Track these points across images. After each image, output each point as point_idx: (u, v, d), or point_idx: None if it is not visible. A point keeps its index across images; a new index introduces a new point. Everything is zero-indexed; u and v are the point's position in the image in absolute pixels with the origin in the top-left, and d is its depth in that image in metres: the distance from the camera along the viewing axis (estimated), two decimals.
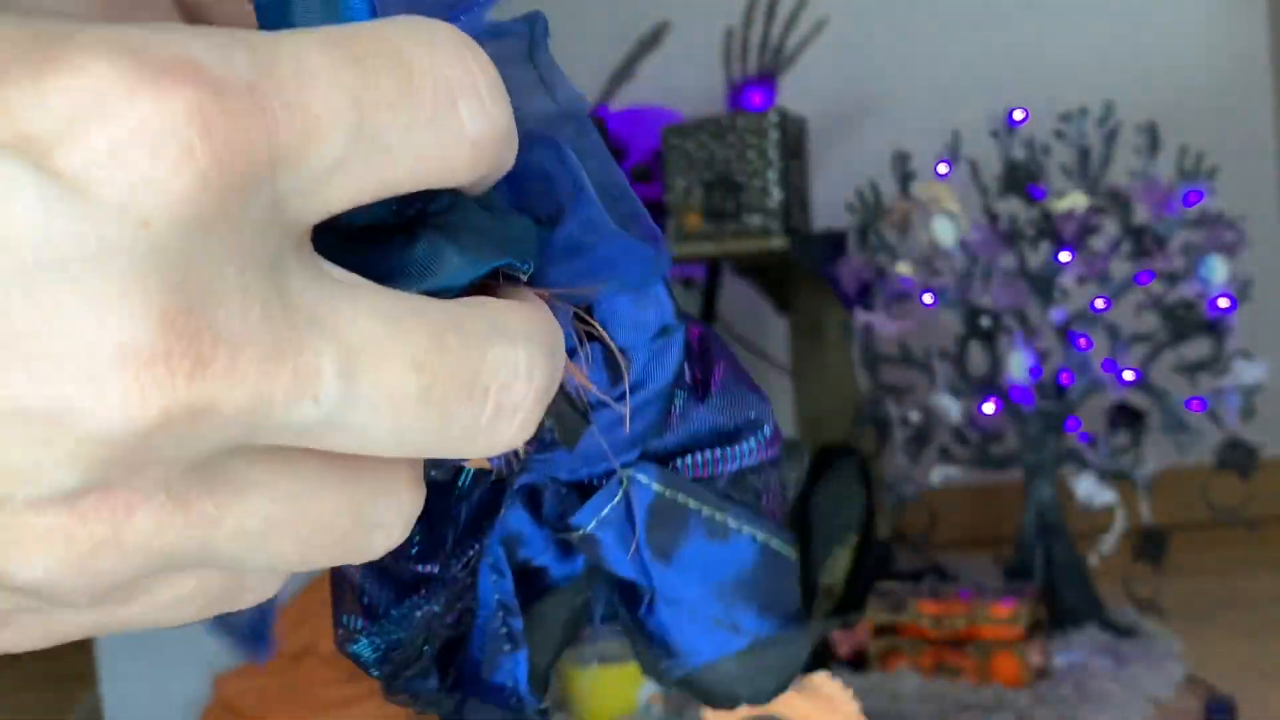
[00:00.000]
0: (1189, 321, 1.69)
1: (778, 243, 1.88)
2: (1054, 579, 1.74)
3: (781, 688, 0.37)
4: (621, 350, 0.28)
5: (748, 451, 0.32)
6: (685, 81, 2.28)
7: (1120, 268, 1.74)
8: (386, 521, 0.20)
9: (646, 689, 1.47)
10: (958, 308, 1.77)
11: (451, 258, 0.20)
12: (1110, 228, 1.75)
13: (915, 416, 1.80)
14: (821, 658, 1.61)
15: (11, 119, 0.15)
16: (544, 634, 0.34)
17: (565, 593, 0.35)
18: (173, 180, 0.15)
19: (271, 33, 0.18)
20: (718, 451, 0.32)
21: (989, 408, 1.76)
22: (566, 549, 0.34)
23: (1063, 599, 1.72)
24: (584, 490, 0.32)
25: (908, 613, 1.55)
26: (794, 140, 1.96)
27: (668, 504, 0.31)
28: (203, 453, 0.17)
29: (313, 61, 0.17)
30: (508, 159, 0.20)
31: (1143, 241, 1.70)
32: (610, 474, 0.31)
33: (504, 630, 0.33)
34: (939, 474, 1.79)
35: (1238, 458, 1.68)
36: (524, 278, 0.22)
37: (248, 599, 0.20)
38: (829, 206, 2.14)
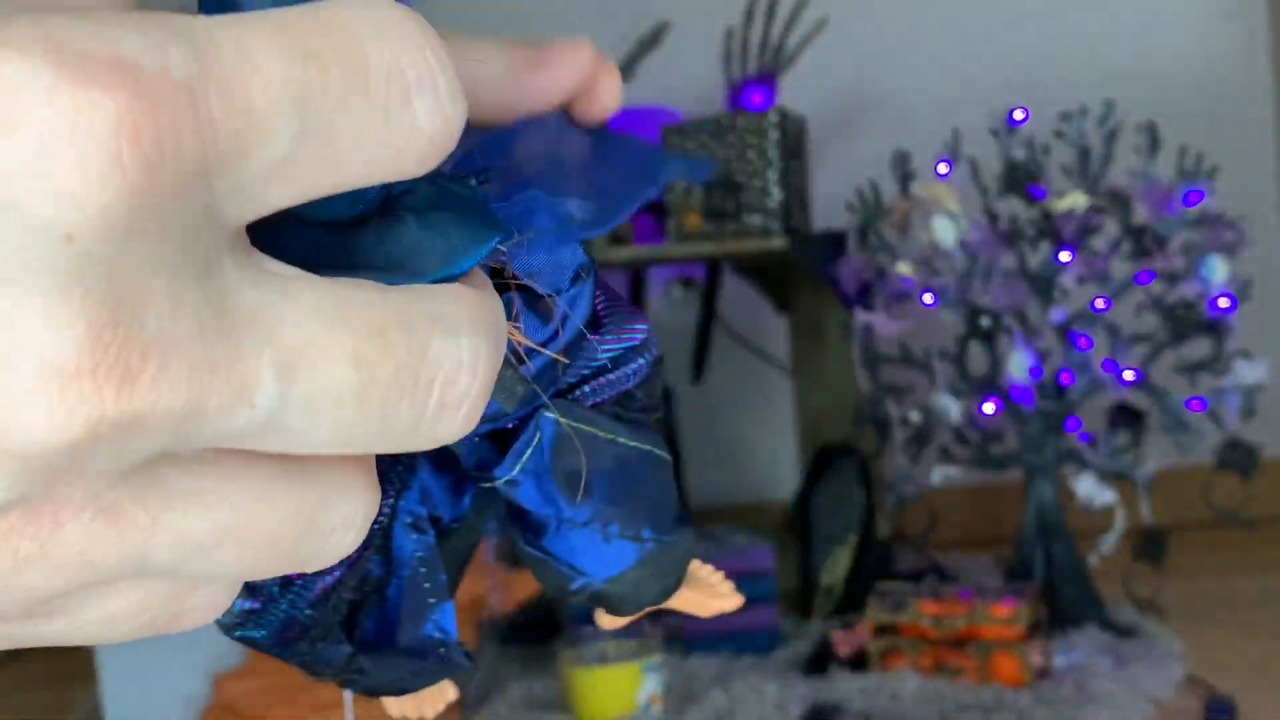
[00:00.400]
0: (1189, 321, 1.69)
1: (778, 243, 1.88)
2: (1054, 579, 1.74)
3: (679, 584, 0.39)
4: (547, 296, 0.29)
5: (634, 372, 0.33)
6: (685, 81, 2.28)
7: (1120, 268, 1.74)
8: (342, 525, 0.19)
9: (646, 689, 1.47)
10: (958, 308, 1.77)
11: (436, 249, 0.20)
12: (1110, 228, 1.75)
13: (915, 416, 1.80)
14: (822, 658, 1.61)
15: None
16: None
17: (455, 534, 0.36)
18: (98, 192, 0.15)
19: (215, 18, 0.17)
20: (611, 376, 0.33)
21: (989, 408, 1.76)
22: (457, 492, 0.35)
23: (1063, 599, 1.72)
24: (496, 435, 0.33)
25: (908, 613, 1.55)
26: (794, 140, 1.96)
27: (570, 434, 0.32)
28: (134, 462, 0.16)
29: (258, 55, 0.16)
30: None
31: (1143, 241, 1.70)
32: (522, 417, 0.32)
33: (428, 585, 0.34)
34: (939, 474, 1.79)
35: (1238, 458, 1.68)
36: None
37: (196, 617, 0.19)
38: (829, 206, 2.14)
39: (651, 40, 2.21)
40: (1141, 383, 1.72)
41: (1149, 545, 1.74)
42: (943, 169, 1.81)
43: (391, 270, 0.19)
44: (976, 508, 2.30)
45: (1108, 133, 1.74)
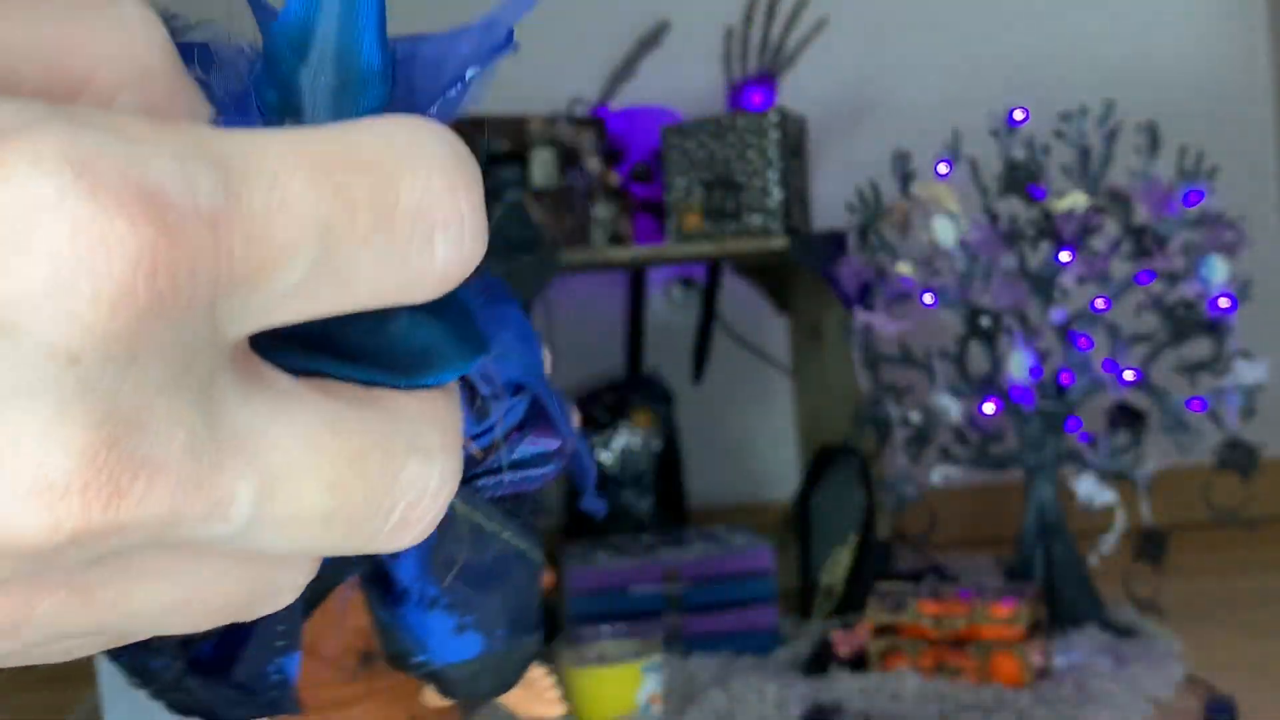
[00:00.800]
0: (1189, 321, 1.69)
1: (778, 243, 1.88)
2: (1054, 579, 1.74)
3: (515, 684, 0.40)
4: (489, 398, 0.30)
5: (539, 478, 0.34)
6: (685, 81, 2.28)
7: (1120, 268, 1.74)
8: (284, 588, 0.20)
9: (646, 689, 1.47)
10: (958, 308, 1.77)
11: (424, 354, 0.20)
12: (1110, 228, 1.75)
13: (915, 416, 1.80)
14: (822, 658, 1.61)
15: None
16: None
17: (314, 579, 0.36)
18: (106, 320, 0.15)
19: (250, 136, 0.17)
20: (515, 476, 0.33)
21: (989, 408, 1.76)
22: None
23: (1063, 599, 1.72)
24: None
25: (908, 613, 1.55)
26: (794, 140, 1.96)
27: (462, 520, 0.33)
28: (107, 555, 0.17)
29: (289, 190, 0.16)
30: None
31: (1143, 241, 1.70)
32: None
33: (281, 628, 0.34)
34: (939, 474, 1.79)
35: (1238, 458, 1.68)
36: None
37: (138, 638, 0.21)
38: (829, 206, 2.14)
39: (651, 40, 2.21)
40: (1141, 383, 1.72)
41: (1149, 545, 1.74)
42: (943, 169, 1.81)
43: (376, 363, 0.20)
44: (976, 508, 2.30)
45: (1108, 133, 1.74)
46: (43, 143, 0.15)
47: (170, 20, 0.20)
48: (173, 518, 0.16)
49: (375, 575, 0.36)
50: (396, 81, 0.22)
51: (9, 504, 0.15)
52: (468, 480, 0.33)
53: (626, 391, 2.22)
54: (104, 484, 0.15)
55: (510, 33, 0.23)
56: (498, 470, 0.33)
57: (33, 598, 0.17)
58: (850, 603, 1.81)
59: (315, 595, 0.36)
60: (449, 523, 0.33)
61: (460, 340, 0.21)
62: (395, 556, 0.34)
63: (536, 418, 0.33)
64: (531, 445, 0.33)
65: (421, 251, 0.18)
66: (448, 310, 0.21)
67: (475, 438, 0.31)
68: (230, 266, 0.16)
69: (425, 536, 0.20)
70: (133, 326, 0.15)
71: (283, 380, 0.18)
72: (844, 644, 1.59)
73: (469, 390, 0.29)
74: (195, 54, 0.22)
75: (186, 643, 0.34)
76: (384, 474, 0.18)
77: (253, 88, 0.21)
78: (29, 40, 0.17)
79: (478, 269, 0.21)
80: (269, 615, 0.32)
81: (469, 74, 0.23)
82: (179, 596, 0.18)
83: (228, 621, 0.20)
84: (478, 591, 0.35)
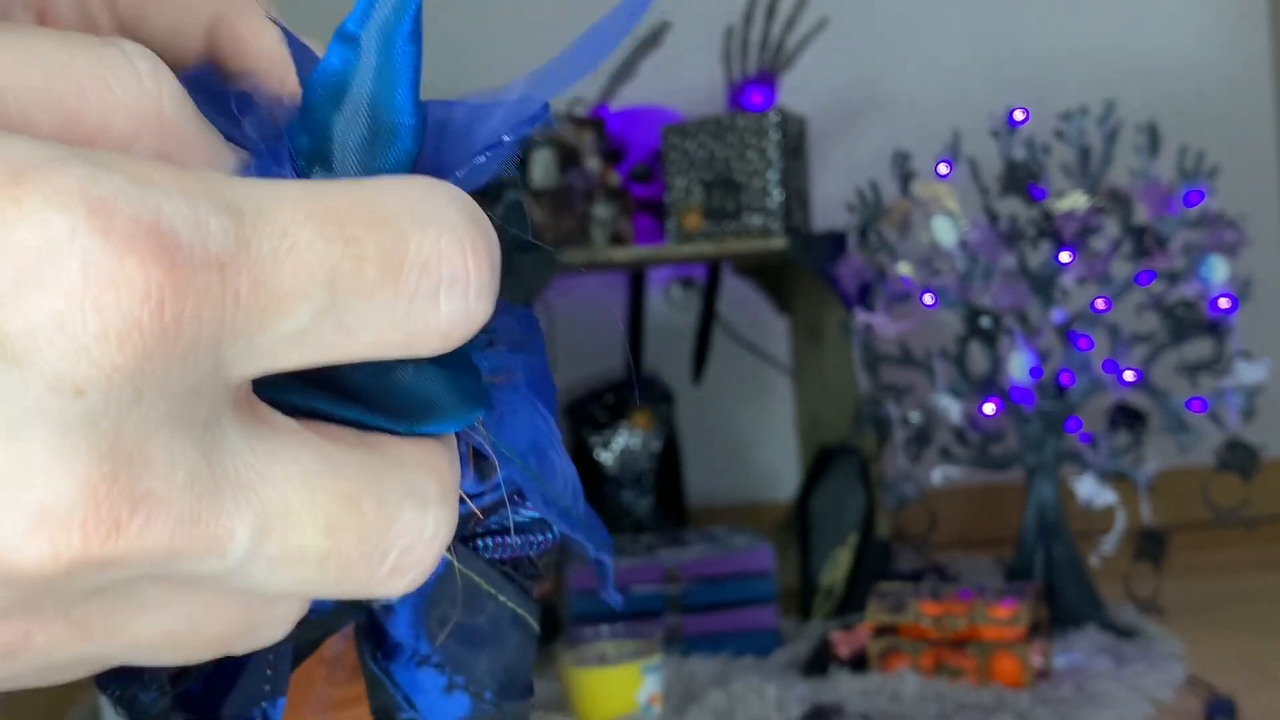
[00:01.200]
0: (1189, 322, 1.69)
1: (778, 243, 1.88)
2: (1054, 579, 1.73)
3: None
4: (493, 459, 0.30)
5: (537, 544, 0.34)
6: (685, 81, 2.28)
7: (1121, 268, 1.74)
8: (274, 625, 0.20)
9: (646, 689, 1.47)
10: (958, 308, 1.77)
11: (423, 404, 0.21)
12: (1111, 228, 1.75)
13: (915, 417, 1.80)
14: (822, 658, 1.61)
15: None
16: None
17: (307, 627, 0.36)
18: (113, 355, 0.15)
19: (265, 184, 0.17)
20: (515, 539, 0.33)
21: (989, 408, 1.75)
22: None
23: (1063, 599, 1.72)
24: None
25: (908, 613, 1.55)
26: (794, 140, 1.96)
27: (457, 579, 0.33)
28: (104, 588, 0.17)
29: (299, 238, 0.17)
30: None
31: (1143, 241, 1.70)
32: None
33: (269, 673, 0.35)
34: (939, 474, 1.79)
35: (1238, 458, 1.68)
36: None
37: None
38: (829, 206, 2.14)
39: (651, 40, 2.21)
40: (1142, 383, 1.72)
41: (1149, 545, 1.74)
42: (943, 169, 1.81)
43: (377, 407, 0.20)
44: (977, 508, 2.30)
45: (1108, 133, 1.74)
46: (60, 181, 0.15)
47: (207, 74, 0.21)
48: (171, 553, 0.17)
49: (369, 628, 0.36)
50: (425, 142, 0.22)
51: (10, 532, 0.16)
52: (467, 540, 0.33)
53: (626, 391, 2.22)
54: (104, 517, 0.16)
55: (546, 106, 0.23)
56: (499, 532, 0.33)
57: (31, 628, 0.17)
58: (850, 603, 1.81)
59: (308, 644, 0.36)
60: (445, 581, 0.33)
61: (462, 394, 0.21)
62: (389, 610, 0.34)
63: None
64: (530, 511, 0.33)
65: (426, 307, 0.18)
66: (452, 363, 0.21)
67: (475, 497, 0.31)
68: (236, 310, 0.16)
69: (418, 585, 0.20)
70: (138, 363, 0.16)
71: (282, 421, 0.18)
72: (844, 644, 1.59)
73: (471, 449, 0.29)
74: (233, 101, 0.22)
75: (176, 678, 0.34)
76: (379, 518, 0.19)
77: (287, 134, 0.22)
78: (46, 89, 0.17)
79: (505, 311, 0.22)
80: (259, 658, 0.32)
81: (499, 143, 0.23)
82: (174, 629, 0.18)
83: (220, 654, 0.20)
84: (470, 652, 0.35)
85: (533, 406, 0.26)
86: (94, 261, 0.15)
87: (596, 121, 2.06)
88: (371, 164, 0.21)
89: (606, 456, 2.17)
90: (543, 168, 1.97)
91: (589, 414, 2.20)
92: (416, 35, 0.22)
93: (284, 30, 0.23)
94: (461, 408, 0.21)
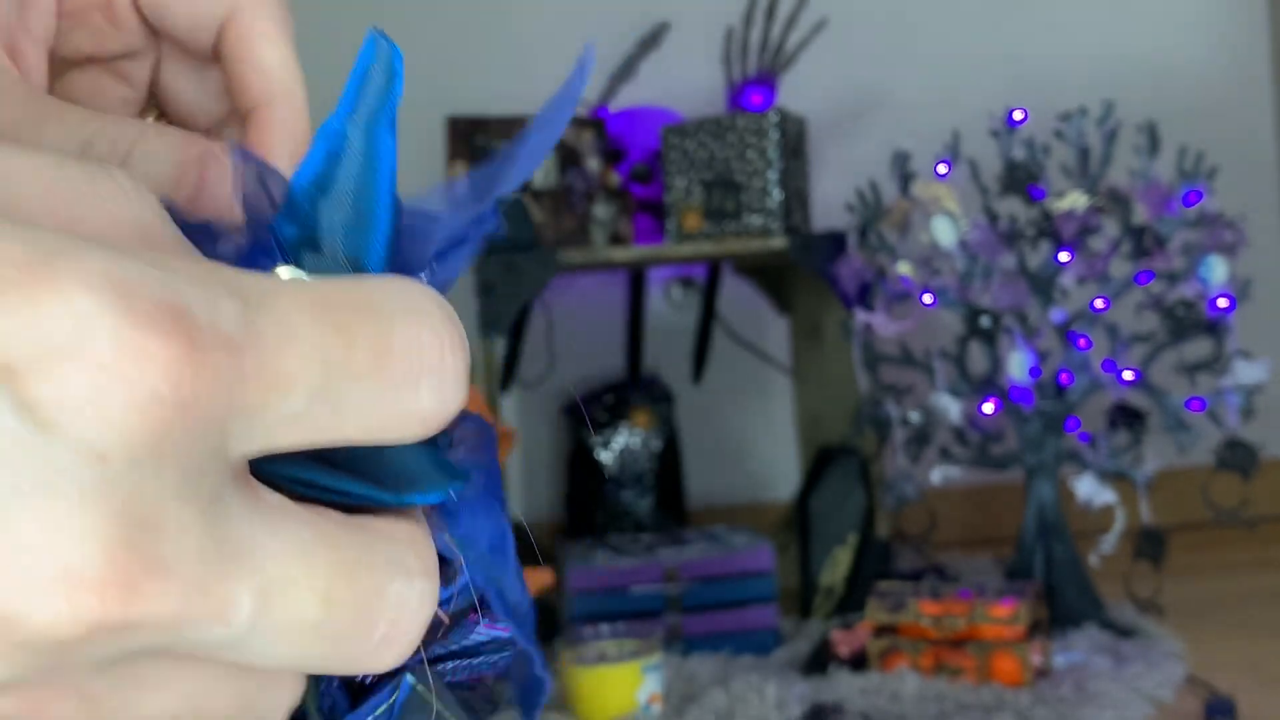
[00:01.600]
0: (1189, 321, 1.69)
1: (778, 243, 1.88)
2: (1054, 579, 1.74)
3: None
4: (454, 563, 0.31)
5: (494, 664, 0.35)
6: (685, 81, 2.28)
7: (1120, 268, 1.74)
8: (272, 712, 0.21)
9: (646, 689, 1.47)
10: (958, 308, 1.77)
11: (408, 475, 0.22)
12: (1110, 228, 1.75)
13: (915, 416, 1.80)
14: (822, 657, 1.61)
15: None
16: None
17: None
18: (135, 424, 0.17)
19: (266, 279, 0.19)
20: (475, 661, 0.34)
21: (989, 408, 1.76)
22: None
23: (1063, 599, 1.72)
24: (350, 686, 0.34)
25: (908, 613, 1.55)
26: (794, 140, 1.96)
27: (421, 705, 0.33)
28: (116, 659, 0.18)
29: (298, 324, 0.18)
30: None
31: (1142, 241, 1.70)
32: (385, 674, 0.33)
33: None
34: (939, 474, 1.79)
35: (1238, 458, 1.68)
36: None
37: None
38: (829, 206, 2.14)
39: (651, 40, 2.21)
40: (1141, 383, 1.72)
41: (1149, 545, 1.74)
42: (942, 169, 1.81)
43: (366, 478, 0.22)
44: (976, 508, 2.30)
45: (1107, 133, 1.75)
46: (89, 264, 0.17)
47: (173, 208, 0.23)
48: (180, 619, 0.17)
49: None
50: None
51: (33, 593, 0.16)
52: (432, 662, 0.33)
53: (626, 391, 2.22)
54: (122, 580, 0.17)
55: (495, 210, 0.25)
56: (459, 654, 0.34)
57: (46, 702, 0.18)
58: (850, 602, 1.81)
59: None
60: (409, 705, 0.33)
61: (440, 467, 0.23)
62: None
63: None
64: (488, 630, 0.33)
65: (409, 393, 0.20)
66: (431, 442, 0.23)
67: (442, 603, 0.31)
68: (243, 388, 0.18)
69: (405, 658, 0.21)
70: (158, 432, 0.17)
71: (276, 498, 0.20)
72: (844, 644, 1.60)
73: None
74: (202, 230, 0.24)
75: None
76: (371, 588, 0.20)
77: (273, 226, 0.23)
78: (47, 199, 0.19)
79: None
80: None
81: (456, 247, 0.25)
82: (178, 708, 0.19)
83: None
84: None
85: (489, 508, 0.27)
86: (121, 337, 0.16)
87: (597, 122, 2.06)
88: (355, 244, 0.23)
89: (606, 456, 2.17)
90: (543, 168, 1.97)
91: (589, 414, 2.20)
92: (394, 122, 0.24)
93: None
94: (443, 478, 0.23)
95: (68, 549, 0.16)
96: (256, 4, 0.31)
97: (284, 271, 0.23)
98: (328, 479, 0.21)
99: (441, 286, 0.25)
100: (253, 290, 0.18)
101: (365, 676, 0.33)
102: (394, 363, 0.19)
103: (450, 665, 0.34)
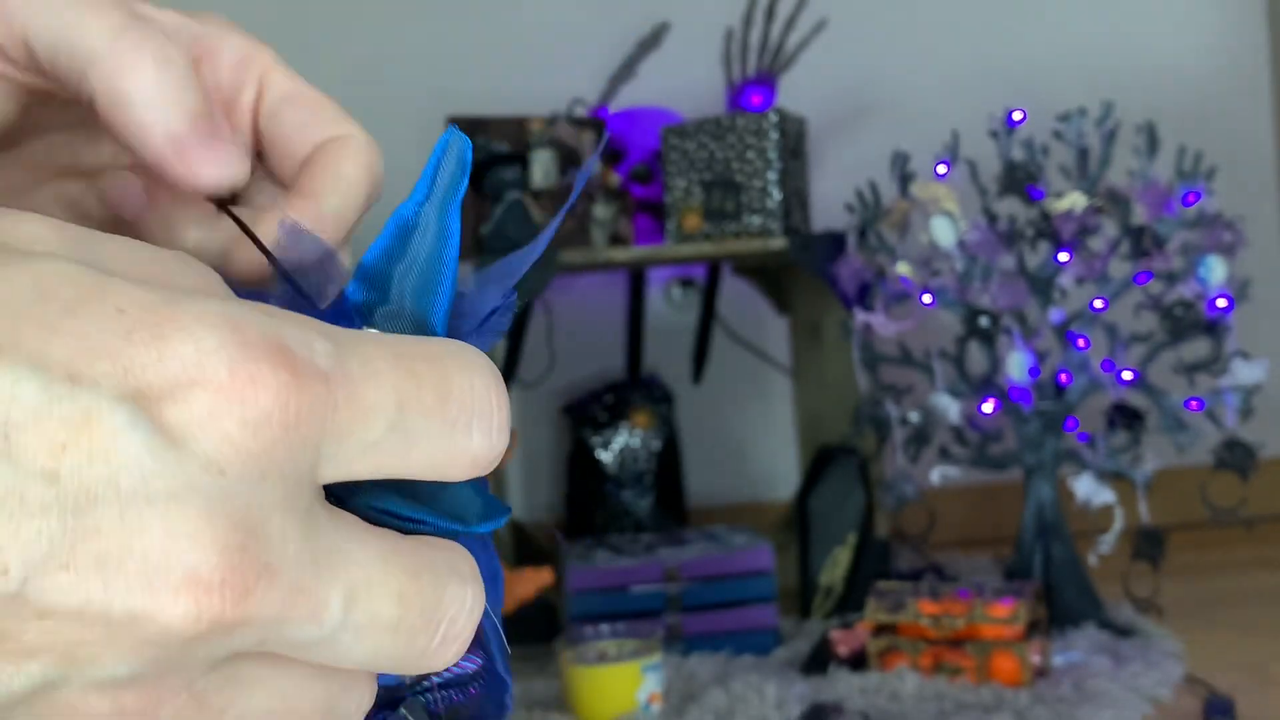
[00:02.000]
0: (1187, 321, 1.70)
1: (777, 243, 1.89)
2: (1053, 578, 1.74)
3: None
4: None
5: (474, 692, 0.36)
6: (685, 81, 2.28)
7: (1119, 268, 1.74)
8: (351, 713, 0.23)
9: (646, 688, 1.47)
10: (957, 308, 1.78)
11: (469, 510, 0.26)
12: (1109, 228, 1.75)
13: (914, 416, 1.80)
14: (822, 657, 1.61)
15: (134, 376, 0.19)
16: None
17: None
18: (250, 441, 0.19)
19: (351, 331, 0.22)
20: (453, 693, 0.36)
21: (988, 408, 1.76)
22: None
23: (1062, 598, 1.72)
24: None
25: (907, 612, 1.56)
26: (794, 140, 1.96)
27: None
28: (223, 658, 0.20)
29: (378, 365, 0.21)
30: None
31: (1141, 242, 1.70)
32: (382, 705, 0.35)
33: None
34: (938, 474, 1.80)
35: (1236, 458, 1.68)
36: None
37: None
38: (829, 206, 2.14)
39: (651, 40, 2.21)
40: (1140, 383, 1.72)
41: (1147, 545, 1.74)
42: (941, 170, 1.81)
43: (434, 509, 0.25)
44: (975, 507, 2.31)
45: (1106, 133, 1.75)
46: (205, 308, 0.20)
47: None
48: (282, 618, 0.20)
49: None
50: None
51: (161, 593, 0.18)
52: (418, 693, 0.35)
53: (626, 391, 2.22)
54: (237, 582, 0.19)
55: (513, 293, 0.30)
56: (441, 686, 0.35)
57: (161, 699, 0.20)
58: (850, 602, 1.82)
59: None
60: None
61: (489, 503, 0.26)
62: None
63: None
64: (466, 662, 0.35)
65: (465, 434, 0.23)
66: (480, 482, 0.26)
67: None
68: (334, 415, 0.20)
69: (460, 655, 0.24)
70: (268, 450, 0.19)
71: (350, 516, 0.22)
72: (843, 643, 1.60)
73: None
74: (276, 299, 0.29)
75: None
76: (435, 589, 0.22)
77: (346, 293, 0.28)
78: (149, 273, 0.22)
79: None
80: None
81: (491, 319, 0.30)
82: (273, 706, 0.21)
83: None
84: None
85: (485, 543, 0.31)
86: (237, 366, 0.19)
87: (597, 122, 2.06)
88: (423, 307, 0.27)
89: (606, 456, 2.17)
90: (543, 168, 1.98)
91: (589, 414, 2.20)
92: (460, 205, 0.28)
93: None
94: (492, 513, 0.26)
95: (192, 553, 0.18)
96: (347, 143, 0.35)
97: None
98: (406, 509, 0.24)
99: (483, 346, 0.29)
100: (339, 335, 0.21)
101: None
102: (452, 404, 0.22)
103: (436, 696, 0.35)
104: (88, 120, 0.33)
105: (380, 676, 0.33)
